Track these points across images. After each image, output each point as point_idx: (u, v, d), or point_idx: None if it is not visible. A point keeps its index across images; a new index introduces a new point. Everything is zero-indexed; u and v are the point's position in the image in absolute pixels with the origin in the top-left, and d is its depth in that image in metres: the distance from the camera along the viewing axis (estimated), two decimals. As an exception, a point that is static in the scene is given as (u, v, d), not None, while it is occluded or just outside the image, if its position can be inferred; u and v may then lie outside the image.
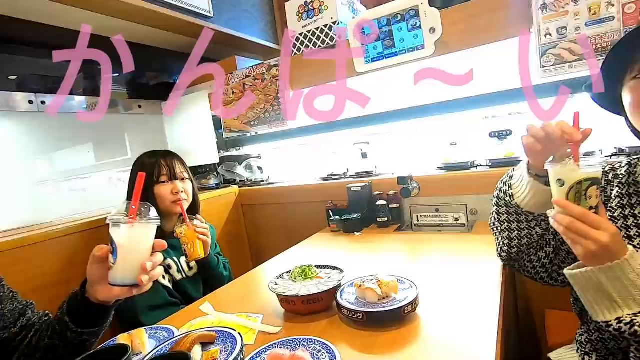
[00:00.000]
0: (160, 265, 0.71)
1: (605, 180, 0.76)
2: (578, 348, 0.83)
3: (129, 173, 1.33)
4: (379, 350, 0.68)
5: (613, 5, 1.12)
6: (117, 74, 2.20)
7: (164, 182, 1.26)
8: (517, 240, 0.85)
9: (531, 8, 1.25)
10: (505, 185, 0.84)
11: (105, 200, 1.86)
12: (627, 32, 0.64)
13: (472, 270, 1.00)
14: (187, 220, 1.25)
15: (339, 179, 1.81)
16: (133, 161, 1.34)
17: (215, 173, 2.23)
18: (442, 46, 1.44)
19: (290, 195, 1.91)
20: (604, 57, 0.68)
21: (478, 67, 1.44)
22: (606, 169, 0.77)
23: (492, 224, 0.93)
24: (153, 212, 0.67)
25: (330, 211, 1.64)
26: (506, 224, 0.86)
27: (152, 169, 1.26)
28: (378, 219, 1.55)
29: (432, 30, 1.41)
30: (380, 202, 1.55)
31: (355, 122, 1.77)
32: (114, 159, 2.05)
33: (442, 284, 0.94)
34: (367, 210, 1.59)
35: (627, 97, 0.66)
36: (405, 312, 0.75)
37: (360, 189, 1.61)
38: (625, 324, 0.56)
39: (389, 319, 0.75)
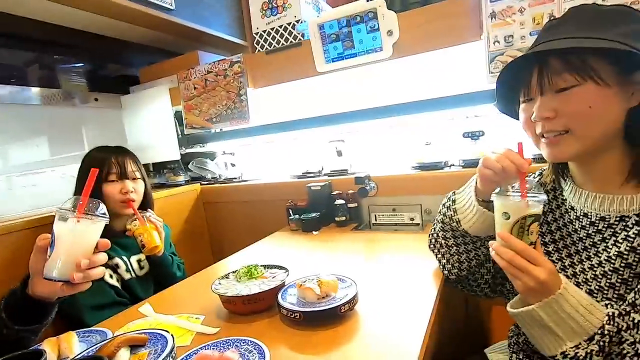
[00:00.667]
0: (103, 265, 0.70)
1: None
2: (509, 348, 0.87)
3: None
4: (312, 349, 0.69)
5: (554, 17, 1.17)
6: (75, 65, 2.11)
7: (113, 180, 1.22)
8: (466, 263, 0.86)
9: (482, 16, 1.29)
10: (450, 211, 0.84)
11: (59, 197, 1.78)
12: (510, 61, 0.67)
13: (417, 268, 1.03)
14: (139, 214, 1.23)
15: (314, 176, 1.78)
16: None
17: (182, 170, 2.18)
18: (400, 49, 1.46)
19: (252, 194, 1.90)
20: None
21: (447, 68, 1.47)
22: None
23: (433, 246, 0.93)
24: (102, 208, 0.67)
25: (290, 210, 1.65)
26: (454, 247, 0.87)
27: (101, 166, 1.21)
28: (336, 218, 1.57)
29: (390, 32, 1.43)
30: (339, 202, 1.57)
31: (324, 120, 1.75)
32: (70, 154, 1.98)
33: (387, 282, 0.97)
34: (326, 209, 1.60)
35: (521, 114, 0.70)
36: (342, 310, 0.76)
37: (320, 188, 1.62)
38: (571, 358, 0.57)
39: (325, 318, 0.76)
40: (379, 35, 1.46)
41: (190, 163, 2.18)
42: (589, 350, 0.56)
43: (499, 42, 1.27)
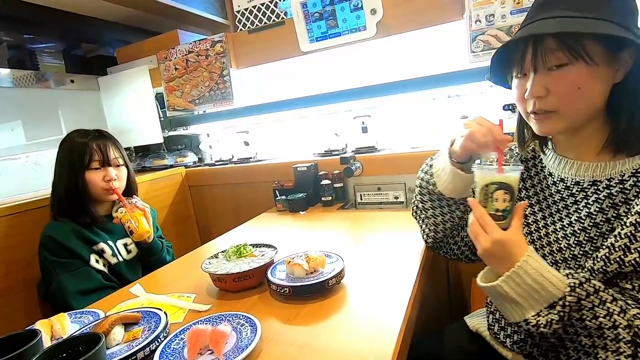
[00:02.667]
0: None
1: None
2: (486, 308, 0.93)
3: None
4: (302, 321, 0.73)
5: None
6: (48, 45, 2.02)
7: (96, 168, 1.20)
8: (442, 225, 0.90)
9: (464, -6, 1.30)
10: (427, 175, 0.89)
11: (38, 183, 1.75)
12: (508, 40, 0.69)
13: (401, 244, 1.07)
14: (125, 201, 1.22)
15: (338, 154, 1.71)
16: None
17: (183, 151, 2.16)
18: (383, 28, 1.46)
19: (238, 176, 1.90)
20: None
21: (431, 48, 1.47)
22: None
23: (415, 213, 0.98)
24: None
25: (276, 191, 1.66)
26: (431, 210, 0.91)
27: (82, 153, 1.18)
28: (323, 198, 1.59)
29: (373, 11, 1.43)
30: (325, 182, 1.59)
31: (312, 100, 1.71)
32: (48, 139, 1.92)
33: (372, 257, 1.00)
34: (312, 189, 1.62)
35: (514, 90, 0.72)
36: (329, 284, 0.79)
37: (306, 169, 1.64)
38: (533, 326, 0.60)
39: (313, 292, 0.79)
40: (362, 13, 1.45)
41: (201, 143, 2.16)
42: (549, 319, 0.59)
43: (480, 22, 1.29)
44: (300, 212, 1.55)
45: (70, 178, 1.18)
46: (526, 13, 0.70)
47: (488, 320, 0.89)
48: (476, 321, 0.98)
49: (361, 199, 1.64)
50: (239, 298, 0.85)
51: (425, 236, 0.96)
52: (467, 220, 0.74)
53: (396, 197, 1.57)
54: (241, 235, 1.37)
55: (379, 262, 0.97)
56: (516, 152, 0.82)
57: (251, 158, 1.98)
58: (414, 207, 0.98)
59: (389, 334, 0.65)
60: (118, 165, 1.26)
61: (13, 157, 1.76)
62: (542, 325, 0.59)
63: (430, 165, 0.89)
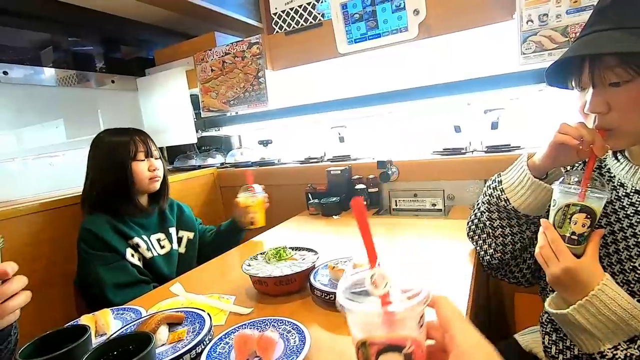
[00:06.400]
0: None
1: None
2: (541, 328, 0.86)
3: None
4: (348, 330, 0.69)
5: (594, -6, 1.12)
6: (91, 46, 2.09)
7: (142, 159, 1.23)
8: (511, 246, 0.84)
9: (514, -7, 1.24)
10: (497, 191, 0.83)
11: (78, 179, 1.79)
12: (561, 57, 0.63)
13: (445, 253, 1.02)
14: (254, 188, 1.36)
15: (464, 153, 1.53)
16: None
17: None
18: (425, 29, 1.42)
19: (269, 178, 1.88)
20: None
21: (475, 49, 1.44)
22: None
23: (473, 232, 0.92)
24: None
25: (309, 194, 1.63)
26: (500, 229, 0.85)
27: (127, 146, 1.22)
28: (357, 203, 1.55)
29: (416, 12, 1.39)
30: (360, 186, 1.55)
31: (345, 103, 1.68)
32: (87, 137, 1.97)
33: (417, 267, 0.95)
34: (346, 193, 1.58)
35: (576, 101, 0.67)
36: (377, 293, 0.75)
37: (339, 172, 1.60)
38: (608, 359, 0.56)
39: (360, 300, 0.75)
40: (404, 14, 1.41)
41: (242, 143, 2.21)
42: (628, 354, 0.54)
43: (532, 22, 1.22)
44: (334, 216, 1.51)
45: (117, 170, 1.20)
46: (585, 13, 0.65)
47: (544, 342, 0.82)
48: (529, 340, 0.92)
49: (396, 205, 1.58)
50: (280, 302, 0.82)
51: (488, 257, 0.89)
52: (533, 239, 0.68)
53: (434, 205, 1.50)
54: (275, 238, 1.34)
55: (426, 272, 0.91)
56: (607, 178, 0.73)
57: (349, 156, 1.80)
58: (473, 227, 0.92)
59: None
60: (157, 158, 1.29)
61: (52, 155, 1.82)
62: (619, 359, 0.54)
63: (500, 181, 0.83)
